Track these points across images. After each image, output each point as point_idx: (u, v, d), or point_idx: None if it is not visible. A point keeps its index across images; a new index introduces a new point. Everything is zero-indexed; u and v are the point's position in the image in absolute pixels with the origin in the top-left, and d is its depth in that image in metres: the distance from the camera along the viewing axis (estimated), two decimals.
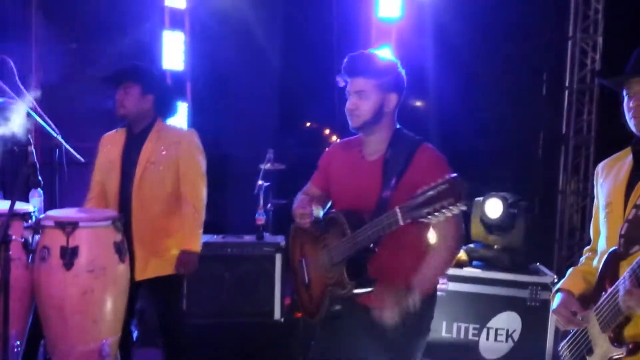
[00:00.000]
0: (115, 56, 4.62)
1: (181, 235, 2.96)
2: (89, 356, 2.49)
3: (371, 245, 2.09)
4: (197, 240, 2.98)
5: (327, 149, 2.54)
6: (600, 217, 2.07)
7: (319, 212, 2.32)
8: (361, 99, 2.19)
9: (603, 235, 2.05)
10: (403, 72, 2.27)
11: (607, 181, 2.05)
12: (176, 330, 3.12)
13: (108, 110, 3.19)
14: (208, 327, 4.05)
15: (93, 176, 3.10)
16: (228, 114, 5.09)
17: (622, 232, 1.86)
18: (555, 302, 2.12)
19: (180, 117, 4.95)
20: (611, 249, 1.92)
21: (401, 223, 1.86)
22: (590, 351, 1.96)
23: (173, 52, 5.00)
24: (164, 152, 2.94)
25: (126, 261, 2.63)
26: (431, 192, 1.72)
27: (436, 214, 1.74)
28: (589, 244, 2.24)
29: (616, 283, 1.80)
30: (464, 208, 1.70)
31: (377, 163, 2.23)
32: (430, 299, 2.33)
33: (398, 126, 2.30)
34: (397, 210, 1.86)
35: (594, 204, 2.17)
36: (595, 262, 2.10)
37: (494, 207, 3.95)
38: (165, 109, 3.07)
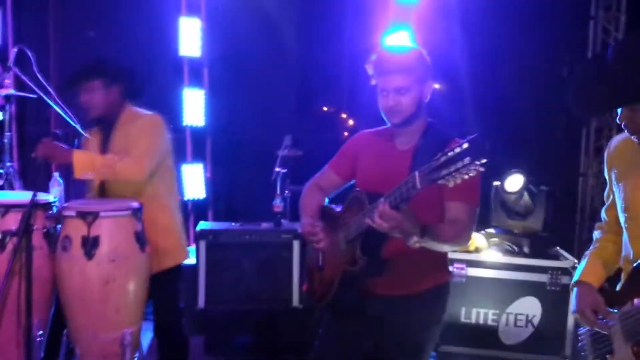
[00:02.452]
0: (132, 44, 4.62)
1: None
2: (111, 345, 2.52)
3: None
4: (84, 165, 2.68)
5: (354, 136, 2.47)
6: (619, 216, 2.01)
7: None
8: (402, 95, 2.14)
9: (625, 239, 2.00)
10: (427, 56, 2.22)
11: (621, 177, 1.98)
12: (169, 333, 2.97)
13: None
14: (227, 313, 4.09)
15: None
16: (245, 100, 5.07)
17: None
18: (576, 298, 2.06)
19: (197, 104, 4.97)
20: (639, 262, 1.87)
21: (419, 187, 1.78)
22: (612, 352, 1.92)
23: (190, 38, 4.98)
24: (123, 141, 2.82)
25: (147, 250, 2.65)
26: (450, 153, 1.66)
27: (455, 174, 1.65)
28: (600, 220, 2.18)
29: None
30: (482, 169, 1.62)
31: (408, 153, 2.20)
32: (440, 290, 2.29)
33: (430, 119, 2.26)
34: (416, 173, 1.79)
35: (606, 189, 2.11)
36: (618, 249, 2.04)
37: (513, 183, 3.91)
38: (133, 93, 2.96)
